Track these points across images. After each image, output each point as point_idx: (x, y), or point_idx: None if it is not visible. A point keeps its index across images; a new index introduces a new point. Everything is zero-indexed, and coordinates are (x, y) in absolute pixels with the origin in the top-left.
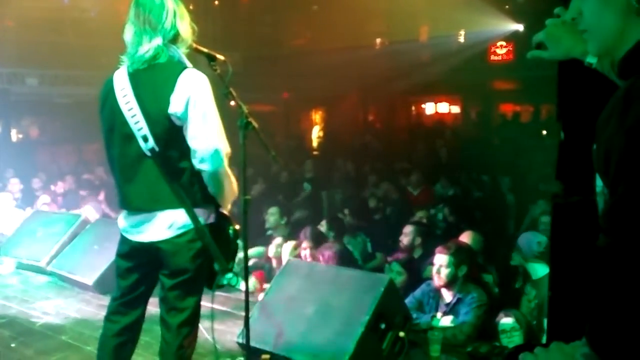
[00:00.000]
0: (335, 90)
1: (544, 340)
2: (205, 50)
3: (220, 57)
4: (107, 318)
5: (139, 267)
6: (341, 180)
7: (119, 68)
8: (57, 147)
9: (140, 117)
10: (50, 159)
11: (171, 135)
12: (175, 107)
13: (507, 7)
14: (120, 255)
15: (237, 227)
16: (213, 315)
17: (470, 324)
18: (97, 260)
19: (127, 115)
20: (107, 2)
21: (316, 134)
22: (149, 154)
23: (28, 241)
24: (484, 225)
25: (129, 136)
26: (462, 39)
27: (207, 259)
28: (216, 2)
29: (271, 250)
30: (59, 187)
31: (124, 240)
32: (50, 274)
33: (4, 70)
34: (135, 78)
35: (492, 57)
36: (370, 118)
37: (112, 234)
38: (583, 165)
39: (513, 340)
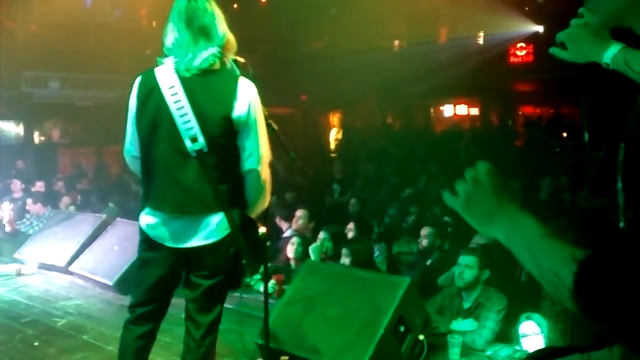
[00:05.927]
0: (353, 92)
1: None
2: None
3: (241, 59)
4: (132, 322)
5: (172, 273)
6: (362, 183)
7: (160, 65)
8: (78, 149)
9: (191, 116)
10: (71, 161)
11: (225, 139)
12: (239, 110)
13: (526, 8)
14: (152, 263)
15: (265, 229)
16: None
17: (490, 328)
18: (117, 261)
19: (176, 114)
20: (129, 7)
21: (334, 136)
22: (194, 154)
23: (50, 242)
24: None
25: (175, 136)
26: (481, 41)
27: (238, 260)
28: (235, 6)
29: (290, 250)
30: (83, 184)
31: (153, 246)
32: (72, 274)
33: (28, 74)
34: (188, 80)
35: (512, 59)
36: (388, 120)
37: (133, 235)
38: (607, 167)
39: (534, 344)
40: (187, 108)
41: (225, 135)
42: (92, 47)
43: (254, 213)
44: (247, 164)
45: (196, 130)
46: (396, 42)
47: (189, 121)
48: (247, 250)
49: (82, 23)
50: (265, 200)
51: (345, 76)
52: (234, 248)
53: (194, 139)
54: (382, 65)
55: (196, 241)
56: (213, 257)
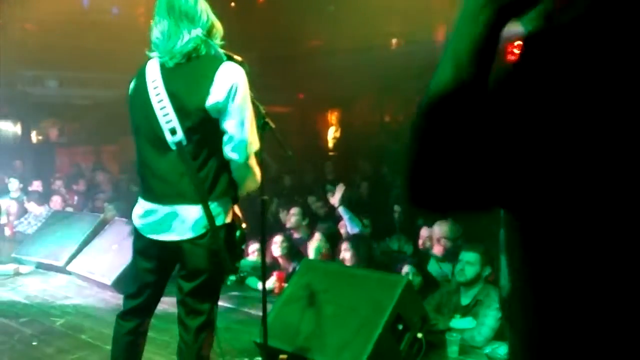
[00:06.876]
0: (351, 90)
1: None
2: (222, 51)
3: (238, 57)
4: (122, 316)
5: (158, 266)
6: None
7: (150, 59)
8: (76, 148)
9: (170, 109)
10: (69, 160)
11: (203, 129)
12: (215, 97)
13: None
14: (139, 254)
15: (245, 226)
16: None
17: (489, 326)
18: (115, 260)
19: (156, 107)
20: (127, 5)
21: (332, 134)
22: (174, 147)
23: (48, 241)
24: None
25: (157, 129)
26: None
27: (221, 260)
28: (232, 4)
29: (275, 250)
30: (80, 186)
31: (140, 237)
32: (70, 273)
33: (25, 73)
34: (169, 71)
35: (509, 57)
36: (386, 119)
37: (131, 234)
38: None
39: None
40: (166, 102)
41: (204, 125)
42: (89, 46)
43: (244, 191)
44: (227, 150)
45: (175, 123)
46: (394, 41)
47: (167, 114)
48: (224, 250)
49: (79, 21)
50: (255, 182)
51: (343, 74)
52: (216, 247)
53: (173, 132)
54: (380, 63)
55: (174, 235)
56: (192, 256)
